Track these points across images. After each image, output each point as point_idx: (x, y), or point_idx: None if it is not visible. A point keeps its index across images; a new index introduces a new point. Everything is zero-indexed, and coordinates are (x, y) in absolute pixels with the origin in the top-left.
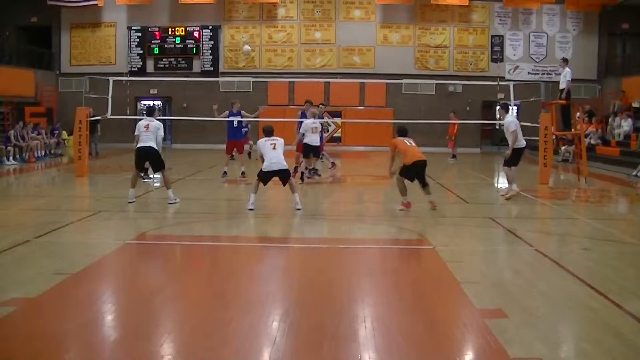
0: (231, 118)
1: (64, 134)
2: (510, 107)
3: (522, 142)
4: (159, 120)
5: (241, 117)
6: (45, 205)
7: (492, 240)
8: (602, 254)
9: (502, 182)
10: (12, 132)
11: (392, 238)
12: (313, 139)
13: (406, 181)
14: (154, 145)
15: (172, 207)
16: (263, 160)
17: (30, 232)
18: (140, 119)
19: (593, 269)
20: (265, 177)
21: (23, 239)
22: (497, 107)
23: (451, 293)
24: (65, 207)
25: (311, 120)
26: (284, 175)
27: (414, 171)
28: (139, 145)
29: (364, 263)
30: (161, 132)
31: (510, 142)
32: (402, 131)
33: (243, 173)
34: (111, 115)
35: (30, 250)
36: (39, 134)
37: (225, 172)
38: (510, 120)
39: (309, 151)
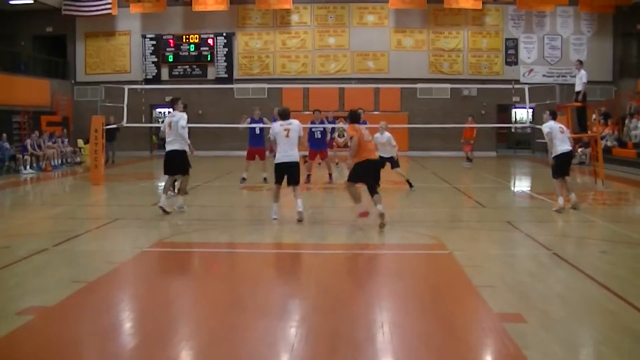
0: (253, 125)
1: (80, 142)
2: (554, 113)
3: (558, 149)
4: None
5: (263, 124)
6: (62, 213)
7: (509, 244)
8: (620, 257)
9: (519, 186)
10: (28, 141)
11: (409, 243)
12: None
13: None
14: (179, 146)
15: (182, 214)
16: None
17: (48, 241)
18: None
19: (611, 272)
20: (277, 173)
21: (41, 248)
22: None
23: (468, 297)
24: (82, 215)
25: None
26: (292, 171)
27: (365, 172)
28: (166, 149)
29: (381, 268)
30: (182, 123)
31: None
32: (354, 117)
33: (265, 179)
34: (127, 123)
35: (48, 258)
36: (54, 142)
37: (244, 178)
38: (544, 125)
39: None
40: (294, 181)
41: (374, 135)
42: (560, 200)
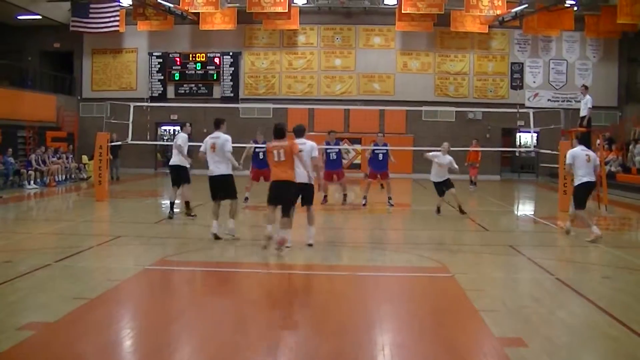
0: (256, 146)
1: (85, 158)
2: (583, 139)
3: (580, 179)
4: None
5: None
6: (65, 229)
7: (511, 268)
8: (623, 282)
9: (522, 210)
10: (33, 156)
11: (411, 265)
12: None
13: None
14: (225, 170)
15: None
16: None
17: (50, 256)
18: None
19: (614, 298)
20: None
21: (43, 263)
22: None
23: (470, 321)
24: (85, 231)
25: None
26: (306, 193)
27: (272, 193)
28: (210, 174)
29: (383, 290)
30: (228, 147)
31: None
32: (298, 132)
33: (246, 199)
34: (132, 140)
35: (50, 274)
36: (59, 158)
37: (246, 198)
38: (569, 152)
39: None
40: (308, 201)
41: (437, 156)
42: (595, 229)
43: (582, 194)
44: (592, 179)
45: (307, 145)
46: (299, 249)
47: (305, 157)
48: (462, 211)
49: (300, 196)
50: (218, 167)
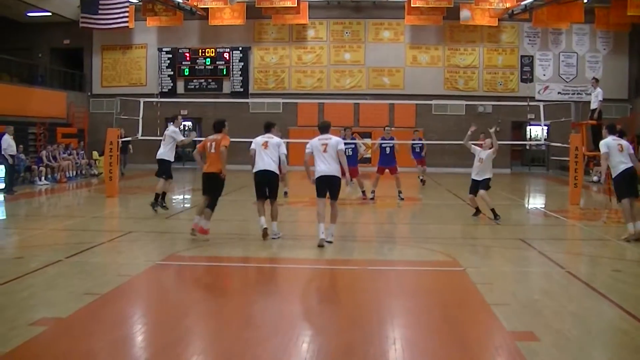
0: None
1: (95, 154)
2: (612, 128)
3: (618, 167)
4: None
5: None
6: (76, 225)
7: (522, 261)
8: (634, 276)
9: (533, 204)
10: (44, 152)
11: (422, 259)
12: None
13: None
14: (274, 168)
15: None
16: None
17: (61, 252)
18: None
19: (625, 291)
20: (318, 187)
21: (54, 259)
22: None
23: (482, 315)
24: (96, 227)
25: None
26: (333, 185)
27: (203, 184)
28: (256, 169)
29: (394, 285)
30: (283, 149)
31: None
32: (323, 128)
33: (285, 193)
34: (142, 136)
35: (61, 270)
36: (70, 154)
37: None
38: (602, 142)
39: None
40: (335, 194)
41: (477, 151)
42: (630, 227)
43: (625, 182)
44: (631, 164)
45: (333, 140)
46: (309, 243)
47: (330, 151)
48: (495, 214)
49: (328, 190)
50: (267, 165)
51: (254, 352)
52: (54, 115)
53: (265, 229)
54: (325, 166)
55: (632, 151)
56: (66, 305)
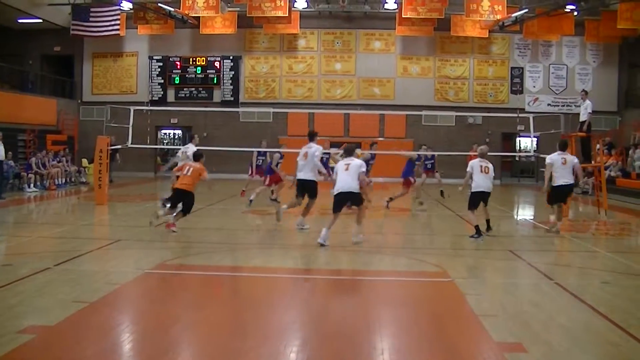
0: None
1: (85, 161)
2: (561, 145)
3: (557, 181)
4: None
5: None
6: (65, 233)
7: (511, 273)
8: (622, 288)
9: (522, 215)
10: (33, 159)
11: (411, 270)
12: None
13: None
14: (312, 176)
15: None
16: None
17: (50, 260)
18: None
19: (613, 303)
20: (335, 201)
21: (43, 267)
22: None
23: (470, 326)
24: (85, 235)
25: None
26: (354, 200)
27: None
28: (297, 176)
29: (383, 295)
30: (318, 153)
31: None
32: (348, 151)
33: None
34: (132, 144)
35: (50, 278)
36: (59, 161)
37: (251, 201)
38: (548, 156)
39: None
40: (357, 205)
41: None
42: (552, 218)
43: (557, 194)
44: (569, 181)
45: (355, 163)
46: (298, 252)
47: (351, 170)
48: (489, 226)
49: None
50: (305, 173)
51: None
52: (44, 122)
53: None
54: (344, 182)
55: (577, 166)
56: (54, 313)
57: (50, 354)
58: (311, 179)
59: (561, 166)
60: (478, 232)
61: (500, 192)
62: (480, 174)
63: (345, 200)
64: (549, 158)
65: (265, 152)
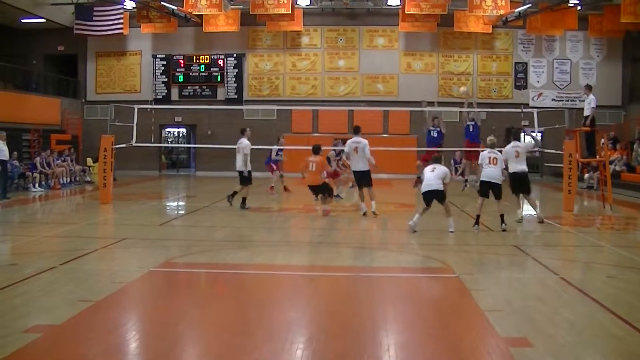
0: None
1: (89, 160)
2: (513, 134)
3: (512, 169)
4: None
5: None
6: (70, 232)
7: (516, 268)
8: (627, 282)
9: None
10: (38, 159)
11: (416, 266)
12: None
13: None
14: (363, 167)
15: (195, 234)
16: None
17: (56, 259)
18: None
19: (618, 297)
20: (424, 197)
21: (48, 266)
22: None
23: (475, 321)
24: (90, 234)
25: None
26: (438, 196)
27: None
28: (353, 169)
29: (388, 291)
30: (367, 150)
31: None
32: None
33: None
34: (136, 142)
35: (56, 277)
36: (64, 161)
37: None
38: (504, 148)
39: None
40: (441, 202)
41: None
42: (520, 212)
43: (512, 182)
44: (521, 169)
45: (440, 169)
46: (303, 249)
47: (437, 171)
48: (503, 221)
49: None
50: (358, 165)
51: (247, 359)
52: (48, 121)
53: (365, 212)
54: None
55: (525, 156)
56: (60, 312)
57: (56, 353)
58: (365, 170)
59: (514, 158)
60: (477, 222)
61: (504, 187)
62: (489, 166)
63: (433, 197)
64: (504, 150)
65: (281, 149)
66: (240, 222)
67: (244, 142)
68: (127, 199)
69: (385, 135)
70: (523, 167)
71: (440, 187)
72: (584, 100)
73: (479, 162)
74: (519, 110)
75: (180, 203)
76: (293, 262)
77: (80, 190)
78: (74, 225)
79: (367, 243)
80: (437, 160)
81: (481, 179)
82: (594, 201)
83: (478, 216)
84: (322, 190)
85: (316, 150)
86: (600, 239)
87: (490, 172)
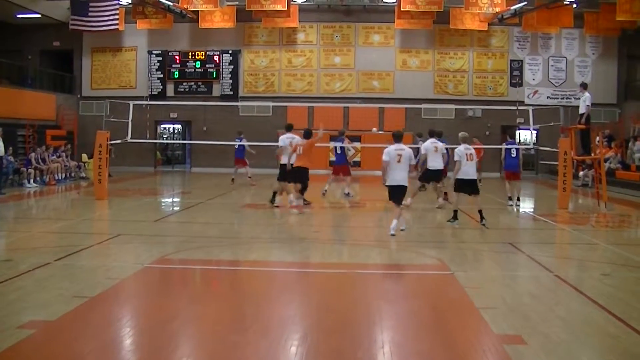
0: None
1: (85, 156)
2: (431, 133)
3: (428, 165)
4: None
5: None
6: (65, 228)
7: (511, 265)
8: (622, 280)
9: (522, 208)
10: (33, 154)
11: (411, 263)
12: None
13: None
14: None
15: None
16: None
17: (50, 255)
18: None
19: (613, 295)
20: (391, 191)
21: (43, 262)
22: None
23: (470, 318)
24: (85, 230)
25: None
26: (402, 191)
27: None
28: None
29: (383, 288)
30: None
31: None
32: (396, 137)
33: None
34: (131, 138)
35: (50, 273)
36: (59, 156)
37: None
38: (422, 145)
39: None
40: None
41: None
42: (440, 200)
43: (428, 176)
44: (437, 167)
45: (406, 152)
46: (297, 246)
47: (404, 162)
48: (482, 217)
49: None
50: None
51: (242, 355)
52: (43, 117)
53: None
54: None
55: (444, 152)
56: (55, 308)
57: (51, 349)
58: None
59: (433, 154)
60: (455, 217)
61: (500, 184)
62: (467, 162)
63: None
64: (423, 147)
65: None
66: (235, 219)
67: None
68: (122, 195)
69: (380, 132)
70: (439, 163)
71: (405, 182)
72: (579, 98)
73: (456, 158)
74: (515, 107)
75: (175, 199)
76: (287, 258)
77: (75, 186)
78: (69, 221)
79: (363, 240)
80: (399, 138)
81: (461, 177)
82: (588, 199)
83: (455, 211)
84: (300, 178)
85: (307, 134)
86: (595, 236)
87: (469, 169)
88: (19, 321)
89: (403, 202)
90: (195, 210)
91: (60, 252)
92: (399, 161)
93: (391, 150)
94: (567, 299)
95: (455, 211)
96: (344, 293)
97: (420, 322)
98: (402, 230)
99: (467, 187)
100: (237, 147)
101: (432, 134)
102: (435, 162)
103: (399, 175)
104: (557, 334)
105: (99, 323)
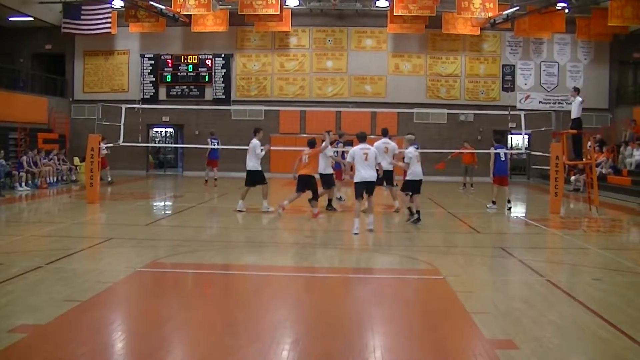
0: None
1: (76, 160)
2: (360, 138)
3: (358, 173)
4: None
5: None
6: (57, 231)
7: (502, 270)
8: (613, 285)
9: (514, 212)
10: (24, 158)
11: (403, 268)
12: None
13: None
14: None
15: (180, 235)
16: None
17: (42, 259)
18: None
19: (604, 300)
20: (358, 188)
21: (34, 266)
22: None
23: (461, 323)
24: (77, 233)
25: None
26: (371, 187)
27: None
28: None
29: (374, 292)
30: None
31: None
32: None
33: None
34: (123, 142)
35: (41, 276)
36: (51, 160)
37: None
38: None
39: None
40: (370, 193)
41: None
42: (396, 203)
43: (359, 186)
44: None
45: (372, 151)
46: (289, 250)
47: (371, 160)
48: (412, 214)
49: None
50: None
51: (234, 359)
52: (35, 120)
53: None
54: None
55: (396, 152)
56: (46, 312)
57: (42, 353)
58: (388, 169)
59: (362, 161)
60: (419, 217)
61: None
62: (417, 164)
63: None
64: (351, 151)
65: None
66: (227, 223)
67: (254, 142)
68: (114, 199)
69: (373, 137)
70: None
71: (374, 177)
72: (570, 103)
73: (406, 160)
74: (507, 112)
75: (167, 203)
76: (280, 262)
77: (67, 190)
78: (60, 225)
79: (355, 244)
80: (364, 138)
81: (413, 178)
82: (580, 203)
83: (418, 212)
84: (310, 186)
85: (311, 144)
86: (587, 241)
87: (419, 170)
88: (9, 325)
89: (396, 205)
90: (187, 214)
91: (52, 256)
92: (365, 159)
93: (356, 150)
94: (559, 303)
95: (418, 212)
96: (335, 297)
97: (411, 326)
98: (369, 230)
99: (414, 187)
100: (211, 148)
101: (385, 134)
102: (384, 162)
103: (367, 173)
104: (548, 339)
105: (91, 327)
